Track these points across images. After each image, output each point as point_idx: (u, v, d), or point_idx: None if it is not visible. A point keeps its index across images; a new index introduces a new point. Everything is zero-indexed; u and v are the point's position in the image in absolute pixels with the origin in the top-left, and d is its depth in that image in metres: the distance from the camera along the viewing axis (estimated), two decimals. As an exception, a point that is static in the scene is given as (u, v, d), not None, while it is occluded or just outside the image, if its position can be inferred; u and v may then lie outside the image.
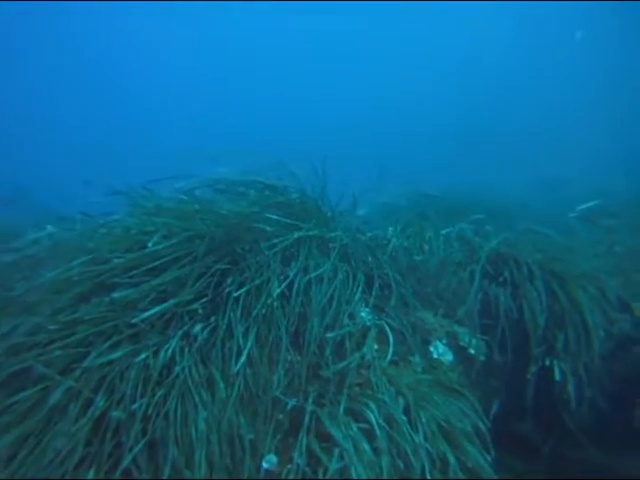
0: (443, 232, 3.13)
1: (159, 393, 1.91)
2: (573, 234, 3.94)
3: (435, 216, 3.57)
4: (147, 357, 1.97)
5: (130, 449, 1.66)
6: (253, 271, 2.54)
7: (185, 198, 2.92)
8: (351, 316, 2.56)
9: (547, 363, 2.39)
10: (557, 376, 2.47)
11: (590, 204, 3.71)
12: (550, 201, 6.77)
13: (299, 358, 2.46)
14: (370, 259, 2.86)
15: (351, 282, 2.72)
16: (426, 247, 3.20)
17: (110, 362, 1.88)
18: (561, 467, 2.89)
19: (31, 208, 3.45)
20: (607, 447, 2.87)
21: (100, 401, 1.76)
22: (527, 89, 20.70)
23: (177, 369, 2.00)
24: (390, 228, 3.45)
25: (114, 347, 1.94)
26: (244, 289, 2.33)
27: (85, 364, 1.82)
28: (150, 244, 2.28)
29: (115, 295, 2.11)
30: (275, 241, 2.71)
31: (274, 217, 2.79)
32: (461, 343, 2.78)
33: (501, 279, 2.93)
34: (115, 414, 1.70)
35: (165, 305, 2.15)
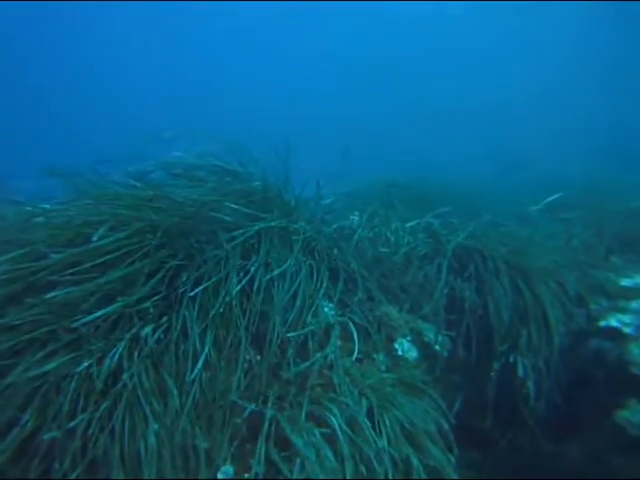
0: (409, 224, 3.04)
1: (103, 406, 1.73)
2: (533, 224, 3.97)
3: (401, 206, 3.49)
4: (90, 365, 1.78)
5: (64, 474, 1.49)
6: (211, 266, 2.36)
7: (137, 184, 2.67)
8: (314, 313, 2.44)
9: (511, 360, 2.39)
10: (520, 372, 2.48)
11: (553, 197, 3.73)
12: (511, 187, 6.87)
13: (259, 358, 2.33)
14: (335, 252, 2.74)
15: (315, 277, 2.60)
16: (392, 238, 3.12)
17: (45, 374, 1.67)
18: (515, 457, 2.96)
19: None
20: (556, 436, 2.95)
21: (29, 420, 1.56)
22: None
23: (125, 377, 1.82)
24: (355, 218, 3.33)
25: (50, 356, 1.73)
26: (200, 287, 2.16)
27: (8, 380, 1.60)
28: (95, 237, 2.05)
29: (52, 295, 1.88)
30: (235, 233, 2.53)
31: (234, 206, 2.60)
32: (425, 339, 2.74)
33: (466, 274, 2.89)
34: (48, 435, 1.52)
35: (112, 307, 1.95)
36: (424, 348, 2.70)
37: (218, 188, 2.68)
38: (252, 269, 2.47)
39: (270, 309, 2.36)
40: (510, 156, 10.38)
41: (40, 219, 2.19)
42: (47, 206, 2.36)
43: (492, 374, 2.39)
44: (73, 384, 1.69)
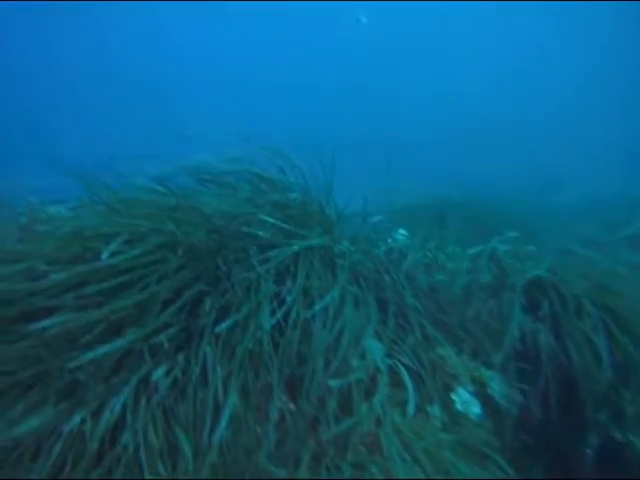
0: (473, 250, 2.58)
1: (94, 474, 1.35)
2: (607, 253, 3.44)
3: (458, 225, 3.03)
4: (83, 421, 1.40)
5: None
6: (239, 293, 1.97)
7: (160, 189, 2.32)
8: (361, 355, 2.02)
9: (618, 436, 1.88)
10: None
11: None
12: (563, 206, 6.30)
13: (292, 406, 1.92)
14: (387, 279, 2.31)
15: (362, 310, 2.18)
16: (449, 265, 2.66)
17: (25, 433, 1.30)
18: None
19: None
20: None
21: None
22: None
23: (126, 437, 1.43)
24: (401, 237, 2.90)
25: (34, 408, 1.36)
26: (227, 323, 1.76)
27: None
28: (105, 254, 1.69)
29: (46, 324, 1.52)
30: (270, 253, 2.14)
31: (270, 220, 2.21)
32: (490, 391, 2.27)
33: (540, 313, 2.41)
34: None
35: (119, 342, 1.58)
36: (488, 402, 2.23)
37: (252, 198, 2.30)
38: (288, 298, 2.07)
39: (309, 349, 1.94)
40: (542, 174, 9.65)
41: (44, 227, 1.85)
42: (54, 210, 2.02)
43: (588, 451, 1.89)
44: (58, 445, 1.31)
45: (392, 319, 2.23)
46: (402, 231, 2.85)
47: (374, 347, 2.10)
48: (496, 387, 2.26)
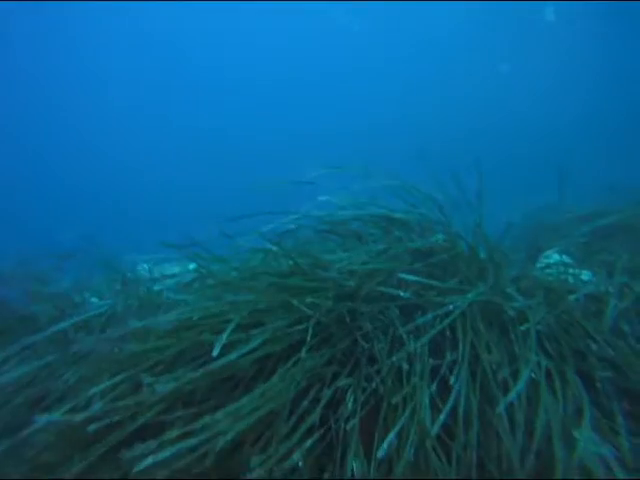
0: None
1: None
2: None
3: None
4: None
5: None
6: (389, 381, 1.47)
7: (274, 249, 1.95)
8: (581, 470, 1.36)
9: None
10: None
11: None
12: None
13: None
14: (593, 347, 1.63)
15: (559, 392, 1.52)
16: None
17: None
18: None
19: (95, 261, 2.76)
20: None
21: None
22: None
23: None
24: (589, 276, 2.16)
25: None
26: (391, 435, 1.26)
27: None
28: (215, 351, 1.32)
29: (153, 460, 1.16)
30: (419, 319, 1.62)
31: (412, 278, 1.70)
32: None
33: None
34: None
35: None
36: None
37: (385, 250, 1.81)
38: (452, 380, 1.51)
39: (490, 457, 1.35)
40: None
41: (140, 323, 1.55)
42: (159, 286, 1.75)
43: None
44: None
45: (609, 403, 1.53)
46: (585, 271, 2.12)
47: (594, 452, 1.42)
48: None
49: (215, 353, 1.32)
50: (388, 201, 2.16)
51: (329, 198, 2.21)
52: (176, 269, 2.34)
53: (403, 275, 1.67)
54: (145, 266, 2.23)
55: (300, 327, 1.54)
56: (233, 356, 1.32)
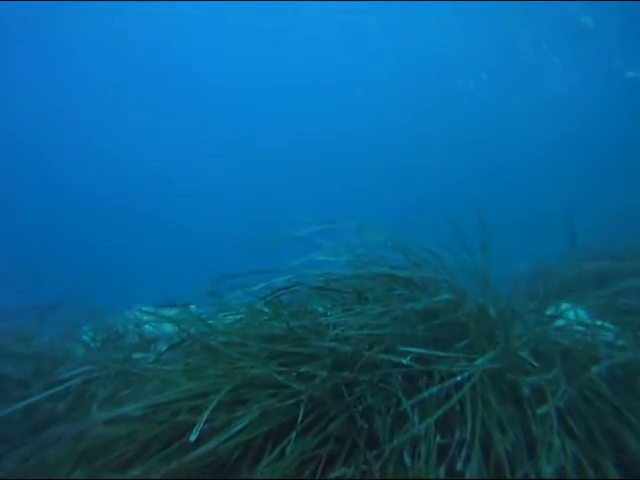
0: None
1: None
2: None
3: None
4: None
5: None
6: (389, 467, 1.29)
7: (265, 310, 1.82)
8: None
9: None
10: None
11: None
12: None
13: None
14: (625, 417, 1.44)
15: None
16: None
17: None
18: None
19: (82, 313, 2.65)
20: None
21: None
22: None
23: None
24: (612, 334, 1.98)
25: None
26: None
27: None
28: (193, 436, 1.16)
29: None
30: (424, 393, 1.45)
31: (415, 351, 1.55)
32: None
33: None
34: None
35: None
36: None
37: (386, 311, 1.67)
38: (460, 466, 1.32)
39: None
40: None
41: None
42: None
43: None
44: None
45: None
46: (607, 325, 1.94)
47: None
48: None
49: (192, 438, 1.16)
50: (388, 255, 2.04)
51: (325, 258, 2.09)
52: (167, 327, 2.22)
53: (406, 348, 1.52)
54: (130, 325, 2.10)
55: (291, 402, 1.38)
56: (212, 444, 1.16)
